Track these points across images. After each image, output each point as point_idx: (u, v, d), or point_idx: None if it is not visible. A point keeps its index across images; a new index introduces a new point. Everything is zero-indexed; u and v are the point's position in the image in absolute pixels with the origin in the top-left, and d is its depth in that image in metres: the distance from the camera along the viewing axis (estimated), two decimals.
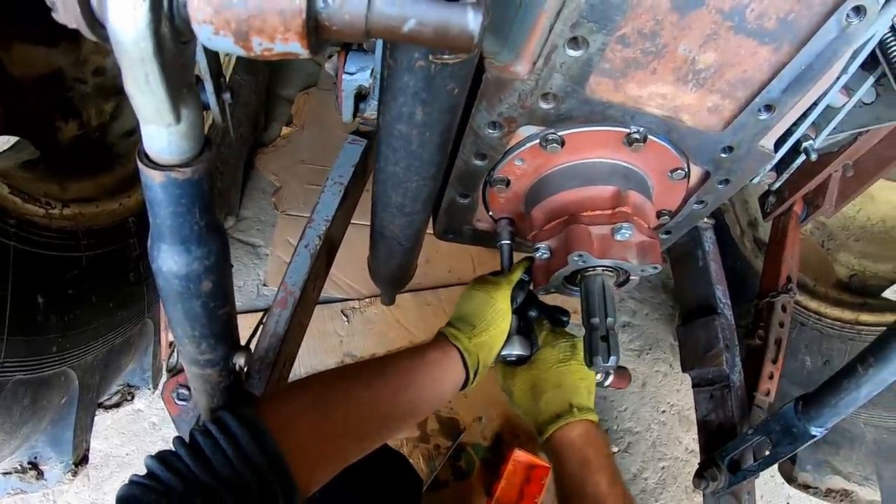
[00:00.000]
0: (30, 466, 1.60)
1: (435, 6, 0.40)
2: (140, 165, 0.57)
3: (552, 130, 0.99)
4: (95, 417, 2.14)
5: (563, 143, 1.00)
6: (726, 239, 2.44)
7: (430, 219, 1.18)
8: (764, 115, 0.99)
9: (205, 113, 1.50)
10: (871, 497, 2.13)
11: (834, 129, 1.31)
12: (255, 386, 1.26)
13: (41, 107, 1.68)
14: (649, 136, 1.02)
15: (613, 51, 0.86)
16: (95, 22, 0.43)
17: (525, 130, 1.01)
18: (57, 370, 1.47)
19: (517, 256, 1.28)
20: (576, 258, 1.03)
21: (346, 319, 2.43)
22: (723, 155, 1.08)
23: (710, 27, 0.84)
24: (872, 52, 1.09)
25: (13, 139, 1.59)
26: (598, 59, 0.84)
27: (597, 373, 1.31)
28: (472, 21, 0.42)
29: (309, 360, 2.36)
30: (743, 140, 1.05)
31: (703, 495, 1.66)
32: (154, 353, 1.90)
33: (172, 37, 0.46)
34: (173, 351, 1.14)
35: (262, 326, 1.30)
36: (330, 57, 1.27)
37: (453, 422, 2.39)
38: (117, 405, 1.97)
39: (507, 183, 1.13)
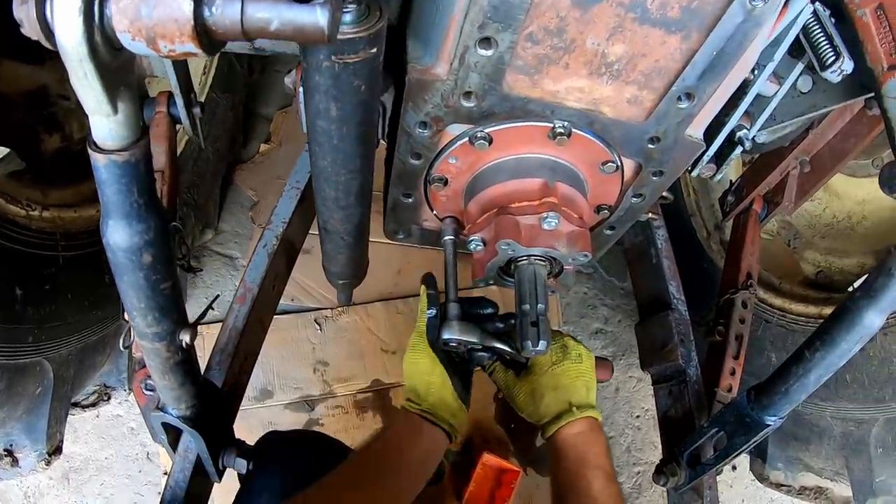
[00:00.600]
0: (5, 453, 1.66)
1: (291, 8, 0.49)
2: (89, 151, 0.67)
3: (479, 128, 1.06)
4: (76, 421, 2.20)
5: (490, 140, 1.08)
6: (694, 242, 2.49)
7: (369, 213, 1.22)
8: (684, 104, 1.02)
9: (178, 127, 1.60)
10: (846, 493, 2.12)
11: (774, 119, 1.33)
12: (215, 377, 1.33)
13: (27, 120, 1.78)
14: (574, 130, 1.07)
15: (524, 48, 0.92)
16: (51, 34, 0.54)
17: (454, 129, 1.08)
18: (33, 359, 1.56)
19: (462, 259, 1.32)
20: (504, 247, 1.11)
21: (318, 328, 2.49)
22: (650, 146, 1.12)
23: (613, 20, 0.88)
24: (800, 39, 1.12)
25: (3, 150, 1.69)
26: (510, 57, 0.91)
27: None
28: (321, 18, 0.50)
29: (282, 367, 2.42)
30: (668, 130, 1.09)
31: (667, 492, 1.68)
32: (130, 358, 1.97)
33: (104, 43, 0.55)
34: (129, 328, 1.22)
35: (223, 322, 1.38)
36: (289, 72, 1.35)
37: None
38: (94, 405, 2.03)
39: (445, 181, 1.21)
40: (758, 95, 1.23)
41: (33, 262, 1.52)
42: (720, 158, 1.38)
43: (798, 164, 1.81)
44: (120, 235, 0.72)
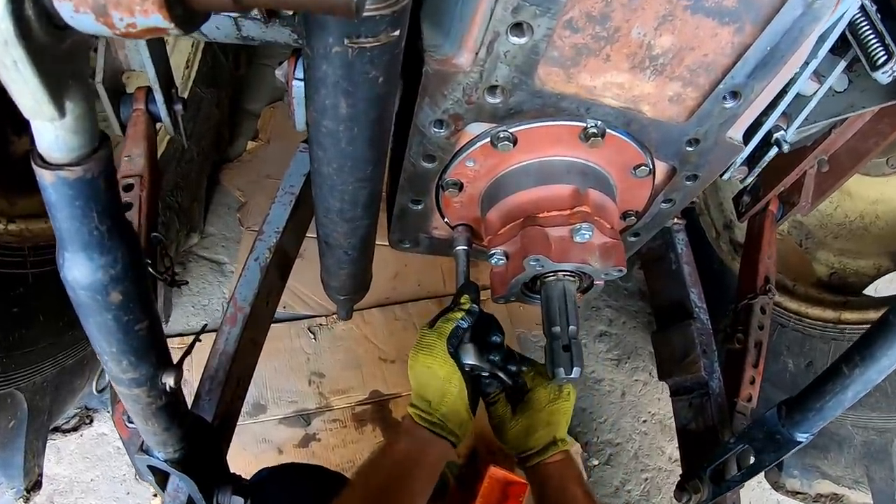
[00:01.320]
0: None
1: None
2: (33, 165, 0.52)
3: (503, 127, 0.94)
4: (58, 441, 2.06)
5: (515, 141, 0.96)
6: (702, 242, 2.43)
7: (376, 224, 1.12)
8: (730, 103, 0.95)
9: (158, 125, 1.46)
10: (862, 500, 2.09)
11: (806, 118, 1.27)
12: (205, 409, 1.20)
13: None
14: (608, 131, 0.98)
15: (561, 37, 0.81)
16: None
17: (474, 128, 0.96)
18: (3, 391, 1.42)
19: (476, 267, 1.23)
20: (533, 262, 0.98)
21: (312, 336, 2.36)
22: (688, 148, 1.04)
23: (664, 7, 0.80)
24: (842, 36, 1.05)
25: None
26: (545, 47, 0.80)
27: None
28: None
29: (275, 380, 2.29)
30: (709, 131, 1.01)
31: None
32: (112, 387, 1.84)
33: (39, 19, 0.41)
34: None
35: (213, 345, 1.24)
36: (280, 64, 1.22)
37: None
38: (76, 428, 1.89)
39: (460, 186, 1.08)
40: (797, 95, 1.17)
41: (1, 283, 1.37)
42: (753, 161, 1.33)
43: (816, 163, 1.75)
44: (80, 271, 0.58)
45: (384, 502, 1.09)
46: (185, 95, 2.01)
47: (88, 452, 2.19)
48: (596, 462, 2.60)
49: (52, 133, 0.49)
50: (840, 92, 1.27)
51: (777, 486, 2.26)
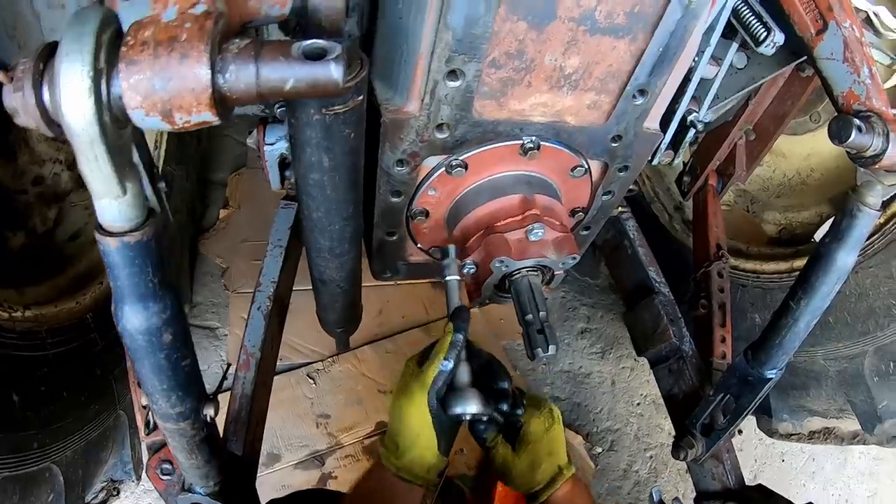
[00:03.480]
0: None
1: (305, 66, 0.51)
2: (98, 236, 0.66)
3: (454, 156, 1.11)
4: None
5: (466, 167, 1.12)
6: (658, 226, 2.58)
7: (360, 256, 1.23)
8: (640, 100, 1.10)
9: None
10: (852, 427, 2.16)
11: (716, 97, 1.41)
12: (234, 447, 1.32)
13: None
14: (542, 143, 1.13)
15: (488, 75, 0.98)
16: (51, 121, 0.54)
17: (430, 161, 1.12)
18: (41, 465, 1.51)
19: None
20: (498, 264, 1.14)
21: (312, 382, 2.47)
22: (613, 144, 1.19)
23: (567, 35, 0.95)
24: (730, 22, 1.21)
25: None
26: (477, 85, 0.96)
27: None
28: (335, 71, 0.52)
29: (284, 428, 2.39)
30: (628, 126, 1.16)
31: (688, 466, 1.70)
32: (132, 445, 1.93)
33: (112, 122, 0.56)
34: (148, 412, 1.20)
35: (230, 391, 1.37)
36: (250, 133, 1.37)
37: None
38: (104, 502, 1.96)
39: (426, 214, 1.24)
40: (701, 79, 1.32)
41: (24, 365, 1.48)
42: (676, 144, 1.47)
43: (743, 134, 1.90)
44: (138, 319, 0.72)
45: None
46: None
47: None
48: (600, 450, 2.72)
49: (116, 208, 0.63)
50: (741, 68, 1.42)
51: (771, 433, 2.34)
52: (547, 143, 1.14)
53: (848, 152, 1.08)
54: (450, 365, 1.11)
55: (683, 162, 2.18)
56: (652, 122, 1.22)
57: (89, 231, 1.88)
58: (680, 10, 0.95)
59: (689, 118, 1.40)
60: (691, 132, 1.43)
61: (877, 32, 1.52)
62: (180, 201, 2.42)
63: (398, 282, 2.60)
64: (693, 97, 1.35)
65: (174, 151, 2.25)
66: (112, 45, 0.51)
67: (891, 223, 1.82)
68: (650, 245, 1.98)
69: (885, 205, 1.75)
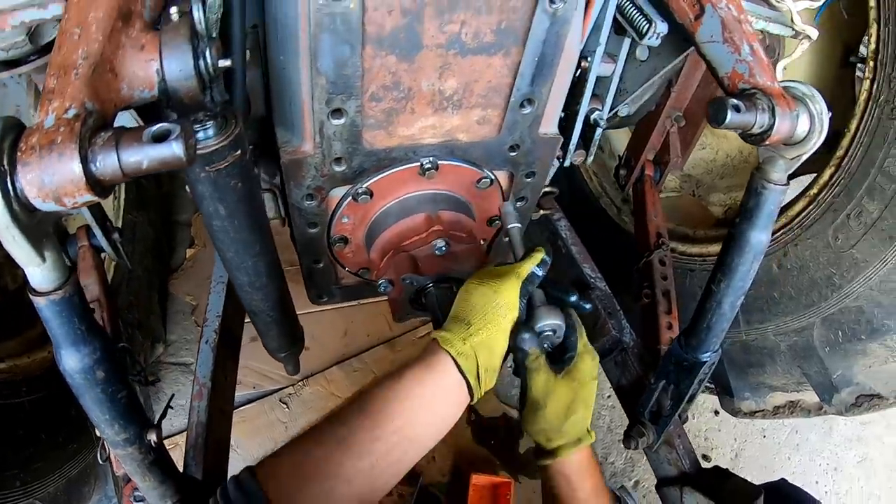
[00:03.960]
0: None
1: (154, 148, 0.63)
2: (30, 296, 0.80)
3: (357, 185, 1.21)
4: None
5: (371, 193, 1.23)
6: (607, 221, 2.61)
7: (285, 287, 1.29)
8: (528, 109, 1.13)
9: (103, 255, 1.70)
10: (815, 399, 2.13)
11: (625, 91, 1.44)
12: (193, 470, 1.43)
13: None
14: (440, 162, 1.20)
15: (371, 108, 1.06)
16: None
17: (337, 192, 1.23)
18: (26, 502, 1.65)
19: None
20: (407, 281, 1.25)
21: (286, 406, 2.58)
22: (512, 154, 1.24)
23: (438, 61, 1.00)
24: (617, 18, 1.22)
25: None
26: (361, 119, 1.06)
27: None
28: (177, 150, 0.63)
29: (261, 452, 2.48)
30: (522, 135, 1.21)
31: (646, 455, 1.71)
32: (115, 481, 2.03)
33: (21, 209, 0.68)
34: (102, 441, 1.31)
35: (188, 420, 1.47)
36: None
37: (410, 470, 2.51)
38: None
39: (346, 240, 1.34)
40: (599, 78, 1.34)
41: (2, 412, 1.62)
42: (586, 143, 1.49)
43: (673, 121, 1.95)
44: (73, 361, 0.84)
45: (382, 423, 0.96)
46: (120, 224, 2.24)
47: None
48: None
49: (40, 274, 0.76)
50: (644, 61, 1.43)
51: (735, 412, 2.29)
52: (445, 162, 1.21)
53: (739, 134, 1.05)
54: (541, 272, 1.10)
55: (619, 156, 2.22)
56: (548, 127, 1.25)
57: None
58: (547, 19, 0.98)
59: (593, 117, 1.41)
60: (598, 130, 1.45)
61: (772, 6, 1.54)
62: (145, 246, 2.53)
63: (360, 302, 2.73)
64: (595, 95, 1.37)
65: (134, 199, 2.36)
66: (12, 150, 0.64)
67: (823, 192, 1.85)
68: (602, 240, 2.00)
69: (817, 174, 1.83)
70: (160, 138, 0.62)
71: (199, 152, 0.78)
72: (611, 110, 1.55)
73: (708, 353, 1.30)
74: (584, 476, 1.19)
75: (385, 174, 1.21)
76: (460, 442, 2.62)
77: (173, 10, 0.77)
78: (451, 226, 1.29)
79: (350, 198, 1.24)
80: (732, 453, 2.94)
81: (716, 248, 2.22)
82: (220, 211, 0.92)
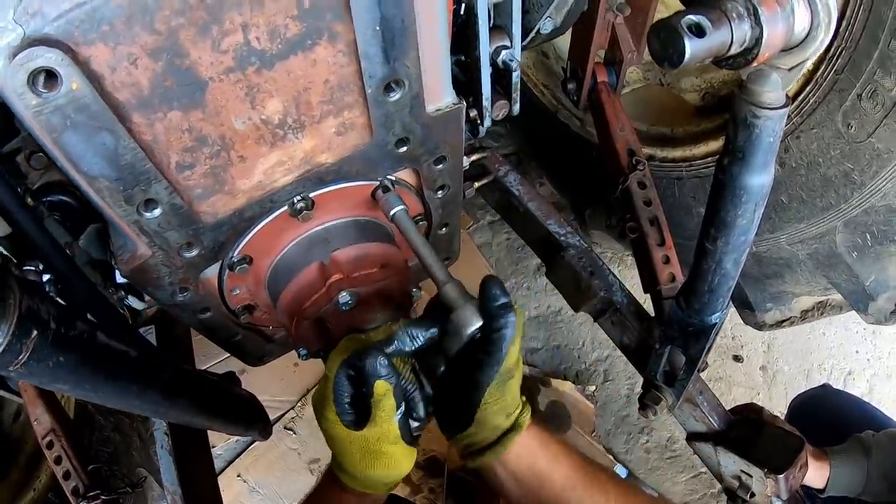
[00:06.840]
0: None
1: None
2: None
3: (228, 257, 0.98)
4: None
5: (249, 260, 1.00)
6: (571, 137, 2.31)
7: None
8: (396, 93, 0.86)
9: None
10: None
11: (541, 5, 1.22)
12: None
13: None
14: (311, 196, 0.95)
15: (187, 179, 0.83)
16: None
17: (209, 272, 1.00)
18: None
19: None
20: (323, 354, 1.04)
21: (292, 432, 2.47)
22: (403, 149, 0.97)
23: (239, 89, 0.76)
24: None
25: None
26: (182, 196, 0.83)
27: None
28: None
29: (282, 485, 2.40)
30: (406, 125, 0.93)
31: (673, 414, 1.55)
32: None
33: None
34: None
35: None
36: None
37: (432, 460, 2.40)
38: None
39: (250, 308, 1.13)
40: (495, 5, 1.05)
41: None
42: (505, 90, 1.19)
43: (616, 11, 1.65)
44: None
45: None
46: None
47: None
48: (593, 387, 2.65)
49: None
50: None
51: (760, 326, 2.13)
52: (318, 192, 0.96)
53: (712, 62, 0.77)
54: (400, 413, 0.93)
55: (563, 68, 1.94)
56: (438, 101, 0.97)
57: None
58: None
59: (501, 59, 1.11)
60: (515, 73, 1.14)
61: None
62: None
63: None
64: (496, 28, 1.08)
65: None
66: None
67: (822, 69, 1.49)
68: (571, 160, 1.77)
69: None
70: None
71: None
72: (527, 36, 1.29)
73: (717, 314, 1.16)
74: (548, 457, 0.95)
75: (251, 234, 0.97)
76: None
77: None
78: (354, 266, 1.04)
79: (227, 272, 1.02)
80: (764, 346, 2.82)
81: (703, 147, 1.95)
82: (64, 388, 0.76)
